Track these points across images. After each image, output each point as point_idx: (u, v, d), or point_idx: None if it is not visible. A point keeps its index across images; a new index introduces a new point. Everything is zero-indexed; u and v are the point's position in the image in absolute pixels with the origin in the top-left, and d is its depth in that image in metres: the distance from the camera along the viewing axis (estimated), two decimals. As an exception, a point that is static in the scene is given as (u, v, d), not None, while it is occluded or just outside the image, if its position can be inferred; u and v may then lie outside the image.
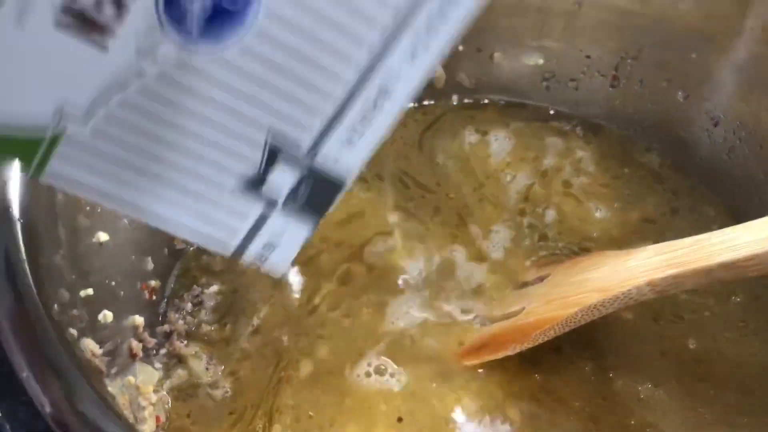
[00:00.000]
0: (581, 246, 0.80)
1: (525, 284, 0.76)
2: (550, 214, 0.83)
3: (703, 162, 0.85)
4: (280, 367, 0.71)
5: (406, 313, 0.75)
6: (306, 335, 0.73)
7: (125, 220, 0.67)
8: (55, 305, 0.48)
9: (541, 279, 0.75)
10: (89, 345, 0.50)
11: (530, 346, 0.67)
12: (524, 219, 0.83)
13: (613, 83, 0.87)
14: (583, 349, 0.72)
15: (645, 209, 0.84)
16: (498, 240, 0.81)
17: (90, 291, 0.55)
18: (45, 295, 0.45)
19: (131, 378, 0.61)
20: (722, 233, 0.58)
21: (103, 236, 0.61)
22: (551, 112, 0.94)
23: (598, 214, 0.83)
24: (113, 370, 0.57)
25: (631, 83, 0.86)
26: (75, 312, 0.53)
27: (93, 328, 0.55)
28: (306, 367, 0.72)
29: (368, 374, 0.71)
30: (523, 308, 0.71)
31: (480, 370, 0.70)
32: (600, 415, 0.68)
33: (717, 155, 0.82)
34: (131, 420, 0.56)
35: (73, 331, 0.50)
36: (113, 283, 0.63)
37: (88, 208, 0.58)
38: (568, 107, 0.93)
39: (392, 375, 0.71)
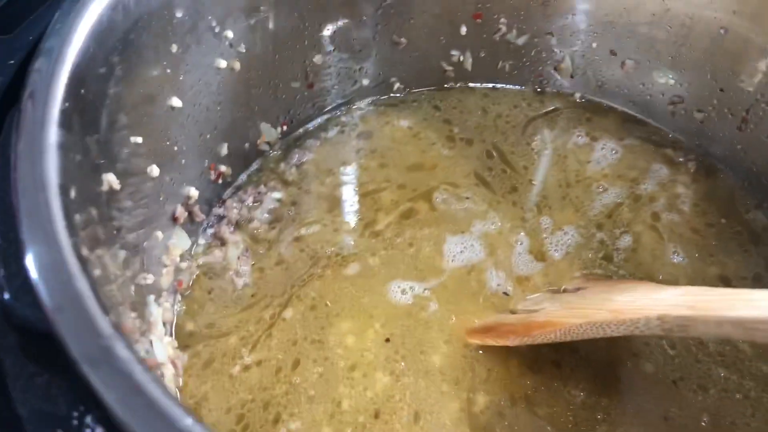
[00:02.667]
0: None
1: (564, 290, 0.74)
2: (626, 240, 0.79)
3: (815, 239, 0.76)
4: (314, 268, 0.76)
5: (461, 253, 0.77)
6: (359, 250, 0.77)
7: (210, 101, 0.72)
8: (95, 135, 0.54)
9: (579, 290, 0.72)
10: (110, 179, 0.56)
11: (529, 342, 0.65)
12: (598, 233, 0.79)
13: (741, 125, 0.80)
14: (586, 379, 0.68)
15: (726, 268, 0.77)
16: (564, 241, 0.79)
17: (139, 139, 0.61)
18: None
19: (159, 234, 0.67)
20: (753, 292, 0.53)
21: (176, 102, 0.66)
22: (670, 136, 0.88)
23: (674, 258, 0.77)
24: (139, 220, 0.62)
25: (759, 130, 0.78)
26: (115, 149, 0.58)
27: (129, 173, 0.60)
28: (353, 268, 0.76)
29: (404, 291, 0.74)
30: (544, 308, 0.69)
31: (481, 351, 0.70)
32: (565, 450, 0.65)
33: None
34: (137, 268, 0.61)
35: (101, 162, 0.55)
36: (175, 147, 0.68)
37: (169, 71, 0.64)
38: (688, 138, 0.86)
39: (418, 305, 0.73)
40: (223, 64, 0.72)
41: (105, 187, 0.55)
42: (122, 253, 0.56)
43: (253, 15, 0.72)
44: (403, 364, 0.69)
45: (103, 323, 0.38)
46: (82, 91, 0.50)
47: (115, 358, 0.36)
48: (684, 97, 0.84)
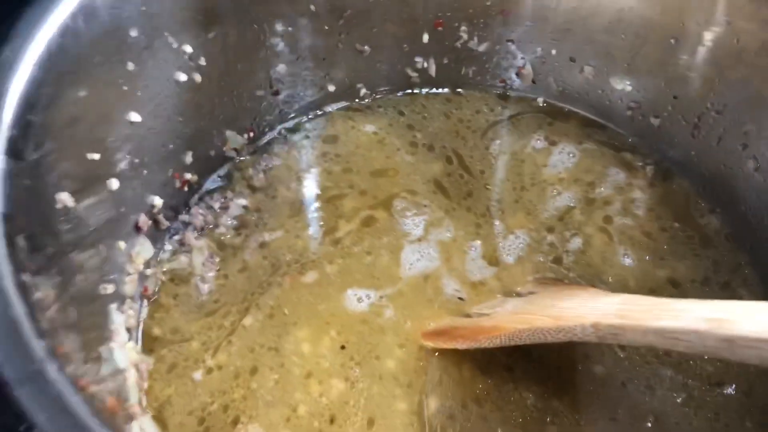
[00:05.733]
0: (591, 284, 0.77)
1: (517, 294, 0.76)
2: (576, 242, 0.81)
3: (763, 243, 0.78)
4: (274, 276, 0.78)
5: (418, 261, 0.79)
6: (318, 257, 0.79)
7: (172, 112, 0.74)
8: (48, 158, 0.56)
9: (530, 294, 0.75)
10: (63, 198, 0.58)
11: (477, 346, 0.68)
12: (549, 236, 0.82)
13: (694, 132, 0.82)
14: (537, 382, 0.70)
15: (676, 271, 0.79)
16: (515, 245, 0.81)
17: (96, 156, 0.63)
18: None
19: (121, 243, 0.70)
20: (680, 302, 0.55)
21: (134, 116, 0.68)
22: (629, 141, 0.90)
23: (624, 260, 0.80)
24: (97, 233, 0.65)
25: (709, 138, 0.80)
26: (70, 168, 0.60)
27: (86, 190, 0.62)
28: (311, 276, 0.78)
29: (360, 299, 0.76)
30: (495, 312, 0.72)
31: (436, 354, 0.72)
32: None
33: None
34: (95, 279, 0.64)
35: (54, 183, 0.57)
36: (136, 160, 0.71)
37: (125, 87, 0.66)
38: (646, 143, 0.88)
39: (373, 312, 0.75)
40: (183, 77, 0.73)
41: (59, 206, 0.57)
42: (76, 269, 0.59)
43: (210, 29, 0.74)
44: (357, 370, 0.71)
45: (37, 348, 0.40)
46: (31, 117, 0.53)
47: (46, 381, 0.39)
48: (641, 103, 0.86)
